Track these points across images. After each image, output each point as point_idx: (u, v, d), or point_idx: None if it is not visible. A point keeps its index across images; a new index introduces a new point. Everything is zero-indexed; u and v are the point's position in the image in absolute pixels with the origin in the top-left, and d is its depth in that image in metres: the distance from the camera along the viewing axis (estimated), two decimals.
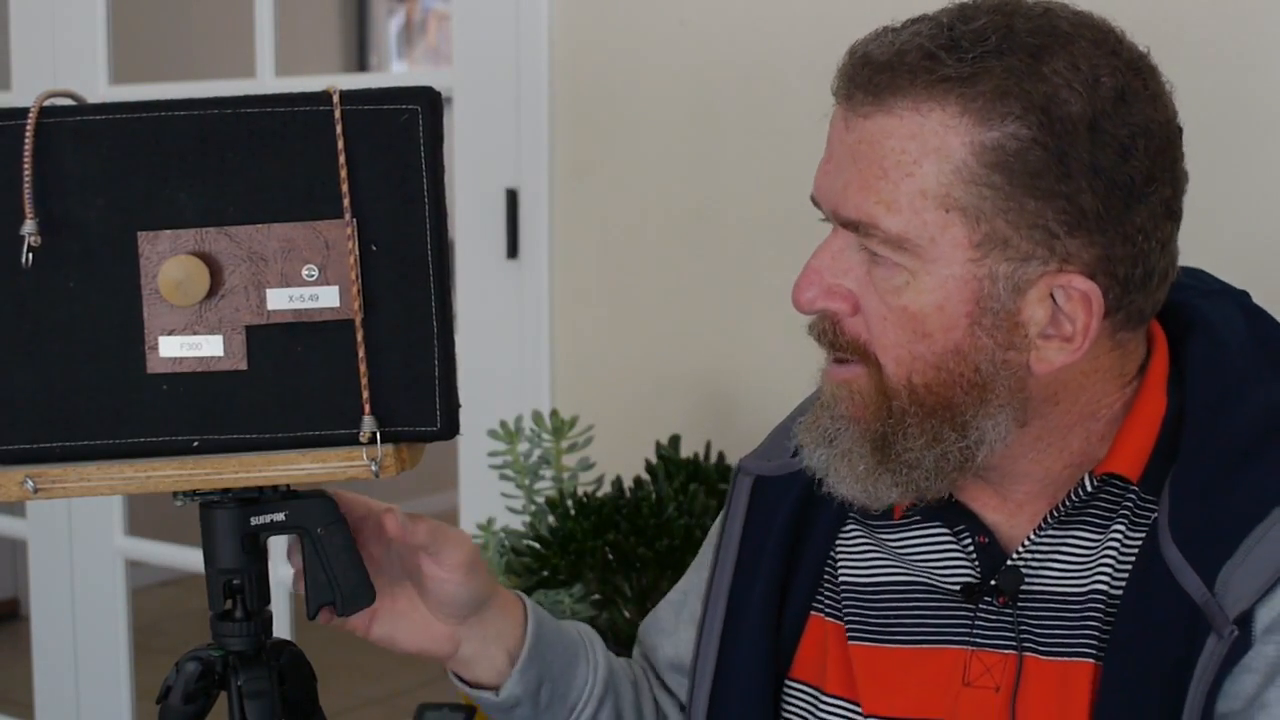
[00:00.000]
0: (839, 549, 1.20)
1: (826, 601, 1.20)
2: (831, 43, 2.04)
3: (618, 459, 1.95)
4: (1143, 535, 1.07)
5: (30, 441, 1.07)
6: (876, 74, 1.03)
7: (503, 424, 1.88)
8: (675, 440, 1.88)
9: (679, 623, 1.33)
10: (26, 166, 1.05)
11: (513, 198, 2.24)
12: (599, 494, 1.84)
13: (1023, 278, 1.03)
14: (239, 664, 1.13)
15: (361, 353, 1.06)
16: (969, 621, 1.12)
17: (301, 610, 1.35)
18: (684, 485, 1.80)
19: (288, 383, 1.07)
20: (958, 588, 1.13)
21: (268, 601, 1.16)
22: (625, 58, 2.15)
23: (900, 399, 1.06)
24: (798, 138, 2.02)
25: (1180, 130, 1.07)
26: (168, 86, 2.86)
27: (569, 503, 1.79)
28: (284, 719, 1.15)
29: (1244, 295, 1.17)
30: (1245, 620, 1.00)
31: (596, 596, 1.77)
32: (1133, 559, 1.07)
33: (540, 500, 1.86)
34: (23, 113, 1.06)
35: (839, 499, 1.11)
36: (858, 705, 1.15)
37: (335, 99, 1.05)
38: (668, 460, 1.86)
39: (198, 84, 3.19)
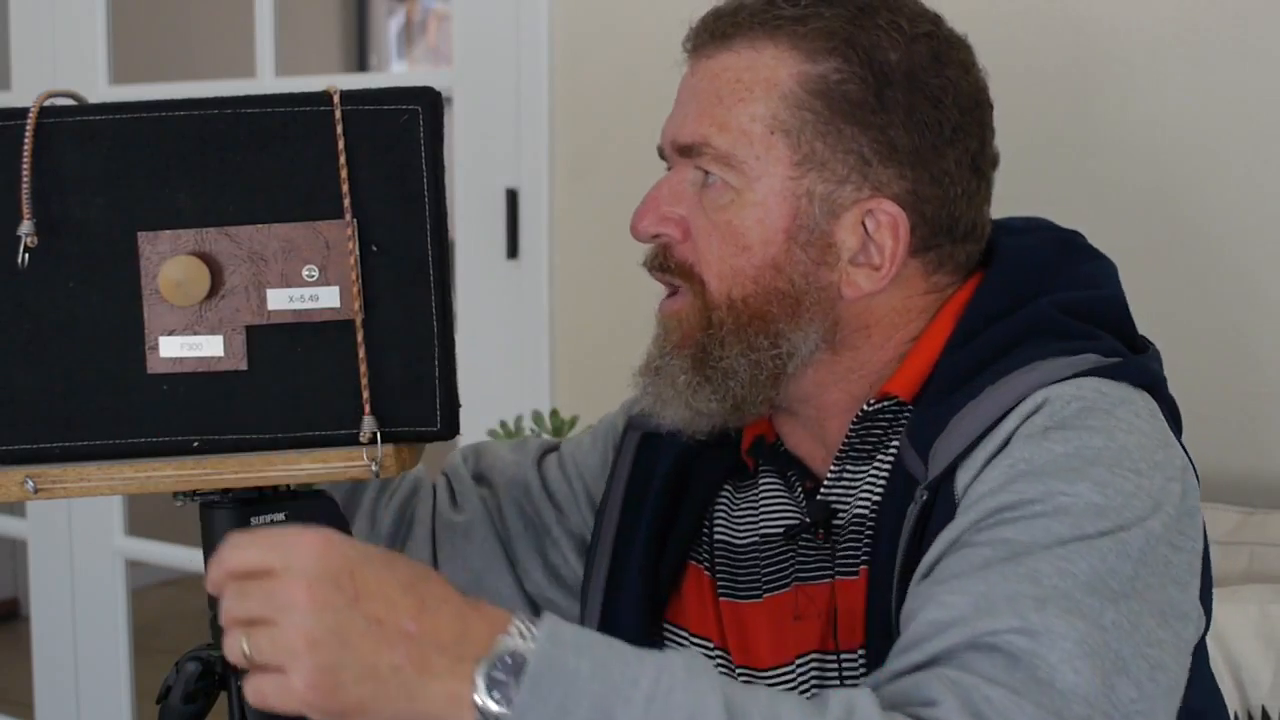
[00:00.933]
0: (716, 510, 1.25)
1: (703, 554, 1.25)
2: None
3: None
4: None
5: (30, 441, 1.07)
6: (719, 20, 1.15)
7: (503, 424, 1.88)
8: None
9: (547, 459, 1.39)
10: (25, 167, 1.05)
11: (513, 198, 2.24)
12: None
13: (837, 201, 1.12)
14: None
15: (362, 353, 1.06)
16: (792, 560, 1.17)
17: None
18: None
19: (288, 383, 1.07)
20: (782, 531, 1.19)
21: None
22: (625, 58, 2.15)
23: (720, 312, 1.13)
24: None
25: (991, 106, 1.17)
26: (168, 86, 2.86)
27: None
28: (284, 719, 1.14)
29: (1072, 234, 1.21)
30: (948, 484, 1.04)
31: None
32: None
33: None
34: (23, 113, 1.06)
35: (669, 429, 1.17)
36: (727, 653, 1.20)
37: (335, 99, 1.05)
38: None
39: (198, 84, 3.19)
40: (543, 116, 2.21)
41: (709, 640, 1.21)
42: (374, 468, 1.06)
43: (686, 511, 1.25)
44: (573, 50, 2.19)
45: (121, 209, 1.06)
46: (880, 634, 1.06)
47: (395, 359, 1.07)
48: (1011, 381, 1.05)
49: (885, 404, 1.14)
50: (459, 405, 1.09)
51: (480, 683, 0.82)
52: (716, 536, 1.24)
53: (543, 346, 2.25)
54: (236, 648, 0.84)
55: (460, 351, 1.10)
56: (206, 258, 1.06)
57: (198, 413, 1.07)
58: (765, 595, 1.19)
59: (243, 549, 0.86)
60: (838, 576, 1.14)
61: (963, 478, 1.03)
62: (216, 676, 1.14)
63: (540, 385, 2.25)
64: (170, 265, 1.05)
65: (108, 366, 1.07)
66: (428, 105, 1.06)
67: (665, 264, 1.16)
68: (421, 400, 1.07)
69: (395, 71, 5.84)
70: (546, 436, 1.46)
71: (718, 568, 1.23)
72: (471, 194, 2.28)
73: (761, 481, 1.23)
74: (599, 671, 0.84)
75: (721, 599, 1.22)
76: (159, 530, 2.75)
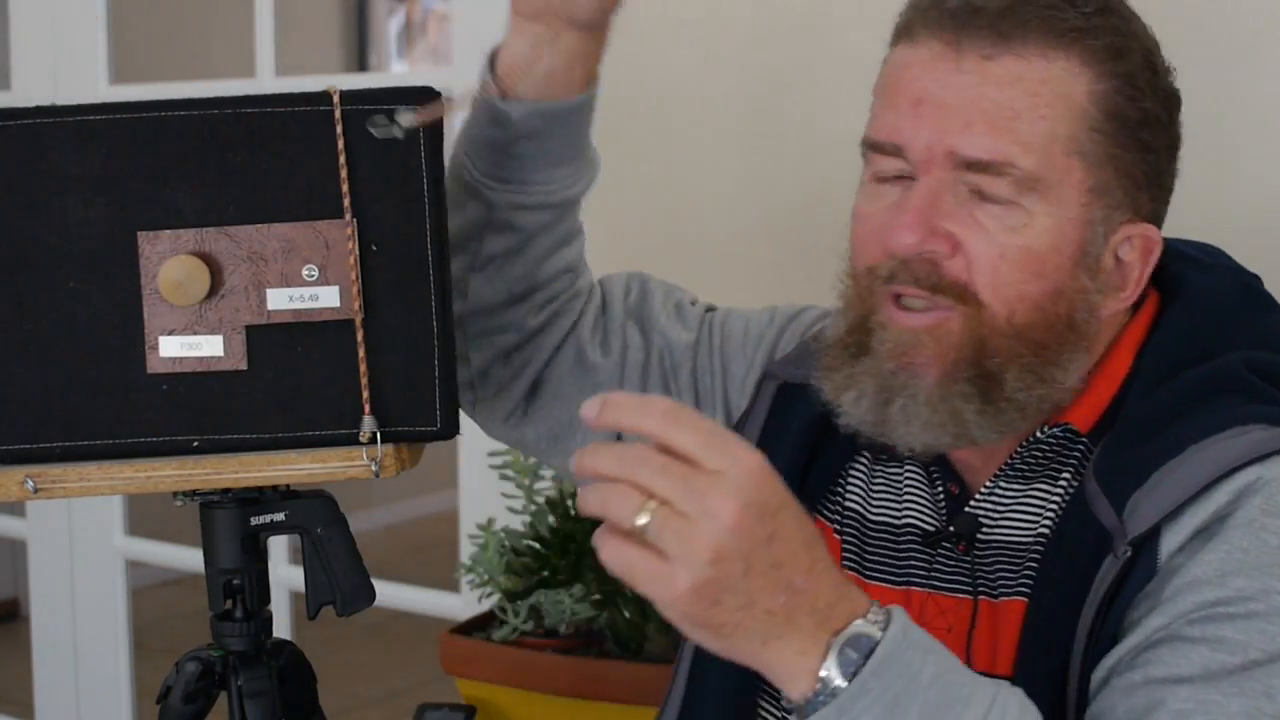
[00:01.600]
0: (851, 477, 1.21)
1: (832, 513, 1.21)
2: (830, 43, 2.05)
3: None
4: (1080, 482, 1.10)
5: (30, 441, 1.07)
6: (999, 20, 1.05)
7: None
8: None
9: (687, 325, 1.32)
10: None
11: None
12: None
13: (1110, 225, 1.08)
14: (239, 664, 1.13)
15: (361, 353, 1.06)
16: (927, 565, 1.14)
17: (301, 610, 1.35)
18: None
19: (288, 383, 1.07)
20: (923, 532, 1.15)
21: (268, 601, 1.16)
22: (625, 58, 2.15)
23: (1004, 336, 1.07)
24: (796, 138, 2.02)
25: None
26: (168, 86, 2.86)
27: (569, 503, 1.79)
28: (284, 719, 1.15)
29: (1252, 277, 1.18)
30: (1151, 544, 1.01)
31: (596, 596, 1.77)
32: (1067, 503, 1.10)
33: (540, 500, 1.86)
34: (23, 112, 1.06)
35: (897, 445, 1.10)
36: None
37: (335, 99, 1.05)
38: None
39: (198, 84, 3.19)
40: None
41: None
42: (373, 467, 1.06)
43: (821, 466, 1.21)
44: None
45: (121, 209, 1.06)
46: (1034, 669, 1.04)
47: (395, 359, 1.07)
48: (1217, 447, 1.02)
49: (1059, 431, 1.11)
50: (459, 405, 1.09)
51: (832, 656, 0.85)
52: (848, 502, 1.21)
53: None
54: (630, 511, 0.82)
55: None
56: (206, 257, 1.06)
57: (198, 413, 1.07)
58: (883, 584, 1.16)
59: (687, 430, 0.84)
60: (981, 596, 1.11)
61: (1168, 543, 1.01)
62: (216, 676, 1.14)
63: None
64: (170, 265, 1.05)
65: (108, 366, 1.07)
66: (427, 101, 1.06)
67: (937, 283, 1.07)
68: (421, 400, 1.07)
69: (395, 71, 5.83)
70: (704, 302, 1.36)
71: (845, 534, 1.20)
72: None
73: (907, 468, 1.18)
74: (938, 680, 0.86)
75: (845, 570, 1.17)
76: (159, 530, 2.75)
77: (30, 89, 2.67)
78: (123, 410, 1.07)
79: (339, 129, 1.05)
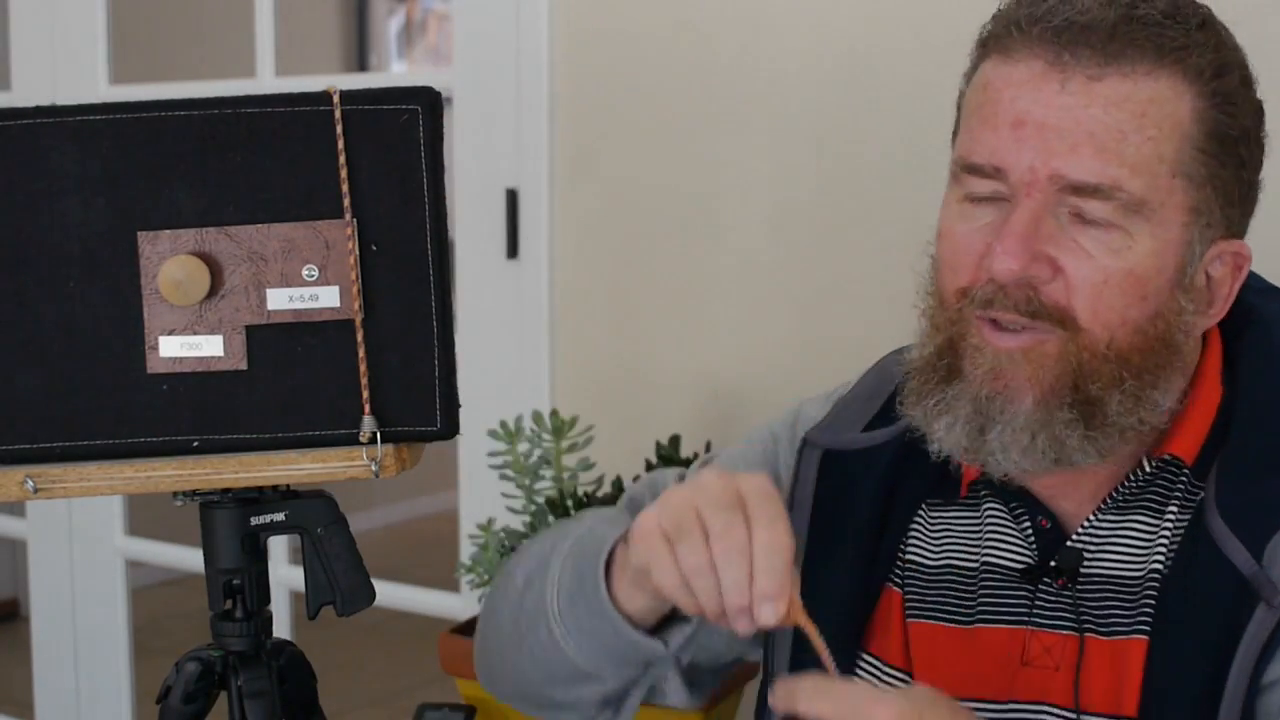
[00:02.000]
0: (913, 530, 1.20)
1: (896, 575, 1.20)
2: (830, 42, 2.05)
3: (618, 459, 1.96)
4: (1190, 515, 1.08)
5: (30, 441, 1.07)
6: (1105, 41, 1.03)
7: (503, 424, 1.88)
8: (675, 440, 1.88)
9: None
10: None
11: (513, 198, 2.24)
12: (599, 494, 1.84)
13: (1205, 243, 1.07)
14: (239, 664, 1.13)
15: (361, 353, 1.06)
16: (1028, 602, 1.12)
17: (301, 610, 1.35)
18: None
19: (287, 383, 1.07)
20: (1017, 568, 1.13)
21: (268, 601, 1.16)
22: (625, 58, 2.15)
23: (1107, 360, 1.05)
24: (797, 137, 2.02)
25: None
26: (168, 86, 2.86)
27: (569, 503, 1.79)
28: (284, 719, 1.14)
29: None
30: None
31: None
32: (1181, 538, 1.08)
33: (540, 500, 1.86)
34: (23, 112, 1.06)
35: (993, 472, 1.09)
36: (911, 676, 1.16)
37: (335, 99, 1.05)
38: (668, 460, 1.86)
39: (198, 84, 3.18)
40: (543, 116, 2.21)
41: (901, 670, 1.17)
42: (373, 467, 1.06)
43: (890, 535, 1.19)
44: (573, 50, 2.19)
45: (121, 209, 1.06)
46: (1166, 714, 1.04)
47: (395, 359, 1.07)
48: None
49: (1166, 462, 1.10)
50: (459, 405, 1.09)
51: None
52: (909, 556, 1.19)
53: (543, 346, 2.25)
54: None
55: (460, 351, 1.09)
56: (206, 257, 1.06)
57: (197, 412, 1.07)
58: (972, 625, 1.14)
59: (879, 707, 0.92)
60: (1086, 633, 1.09)
61: None
62: (216, 676, 1.14)
63: (540, 385, 2.25)
64: (170, 265, 1.05)
65: (108, 366, 1.07)
66: (427, 105, 1.06)
67: (1037, 308, 1.05)
68: (422, 400, 1.07)
69: (395, 71, 5.83)
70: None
71: (907, 586, 1.18)
72: (471, 194, 2.28)
73: (985, 508, 1.16)
74: None
75: (911, 620, 1.17)
76: (159, 530, 2.75)
77: (30, 89, 2.67)
78: (123, 410, 1.07)
79: (339, 129, 1.05)
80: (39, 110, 1.06)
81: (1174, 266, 1.05)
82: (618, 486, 1.83)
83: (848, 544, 1.20)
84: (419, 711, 1.57)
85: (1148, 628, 1.07)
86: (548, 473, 1.88)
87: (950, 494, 1.18)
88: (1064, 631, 1.11)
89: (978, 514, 1.17)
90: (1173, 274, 1.05)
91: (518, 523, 1.88)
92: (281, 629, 2.44)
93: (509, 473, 1.88)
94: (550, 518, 1.81)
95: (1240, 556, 1.02)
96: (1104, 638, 1.09)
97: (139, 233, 1.06)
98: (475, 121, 2.28)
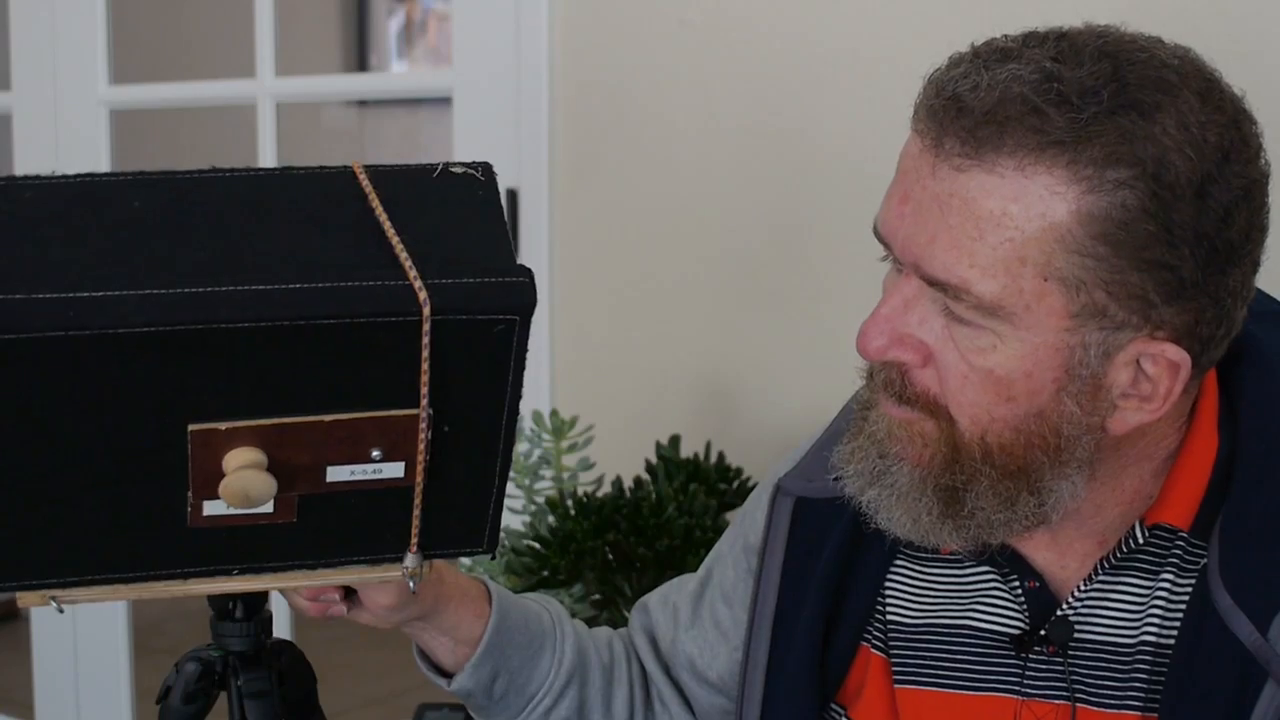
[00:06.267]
0: (889, 585, 1.17)
1: (875, 634, 1.17)
2: (830, 42, 2.05)
3: (618, 459, 1.96)
4: (1192, 582, 1.04)
5: (59, 576, 1.01)
6: (977, 126, 0.94)
7: None
8: (675, 440, 1.89)
9: (697, 619, 1.31)
10: None
11: (513, 198, 2.24)
12: (599, 494, 1.84)
13: (1113, 344, 0.98)
14: (239, 664, 1.13)
15: (417, 512, 1.02)
16: (1019, 670, 1.10)
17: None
18: (684, 485, 1.80)
19: (336, 532, 1.03)
20: (1007, 635, 1.10)
21: (267, 601, 1.16)
22: (625, 58, 2.15)
23: (973, 456, 1.01)
24: (797, 138, 2.02)
25: (1268, 176, 1.00)
26: (168, 86, 2.86)
27: (569, 503, 1.79)
28: (284, 719, 1.14)
29: None
30: None
31: (596, 596, 1.77)
32: (1182, 607, 1.04)
33: (540, 500, 1.86)
34: (93, 320, 0.90)
35: (889, 535, 1.08)
36: None
37: (425, 310, 0.92)
38: (668, 460, 1.86)
39: (198, 84, 3.18)
40: (543, 116, 2.21)
41: None
42: (412, 585, 1.07)
43: (859, 588, 1.16)
44: (573, 50, 2.19)
45: (175, 404, 0.94)
46: None
47: (453, 515, 1.04)
48: None
49: (1160, 529, 1.06)
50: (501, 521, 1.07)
51: None
52: (890, 616, 1.15)
53: (543, 346, 2.25)
54: None
55: None
56: (266, 451, 0.96)
57: (240, 549, 1.03)
58: (964, 691, 1.11)
59: None
60: (1079, 703, 1.06)
61: None
62: (216, 676, 1.14)
63: (540, 385, 2.25)
64: (236, 478, 0.95)
65: (147, 518, 0.99)
66: (525, 309, 0.95)
67: (904, 393, 1.02)
68: (473, 529, 1.06)
69: (395, 71, 5.83)
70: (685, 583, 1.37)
71: (893, 651, 1.14)
72: None
73: (972, 568, 1.13)
74: None
75: (899, 685, 1.13)
76: None
77: (30, 89, 2.67)
78: (160, 553, 1.01)
79: (425, 338, 0.94)
80: (108, 317, 0.90)
81: (1055, 369, 0.98)
82: (618, 486, 1.83)
83: (810, 595, 1.18)
84: (419, 711, 1.57)
85: (1140, 700, 1.05)
86: (548, 473, 1.88)
87: (932, 549, 1.13)
88: (1056, 701, 1.08)
89: (962, 570, 1.14)
90: (1056, 376, 0.98)
91: (518, 523, 1.88)
92: (281, 629, 2.44)
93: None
94: (550, 518, 1.81)
95: (1245, 630, 0.99)
96: (1095, 709, 1.07)
97: (189, 426, 0.95)
98: (475, 122, 2.29)
